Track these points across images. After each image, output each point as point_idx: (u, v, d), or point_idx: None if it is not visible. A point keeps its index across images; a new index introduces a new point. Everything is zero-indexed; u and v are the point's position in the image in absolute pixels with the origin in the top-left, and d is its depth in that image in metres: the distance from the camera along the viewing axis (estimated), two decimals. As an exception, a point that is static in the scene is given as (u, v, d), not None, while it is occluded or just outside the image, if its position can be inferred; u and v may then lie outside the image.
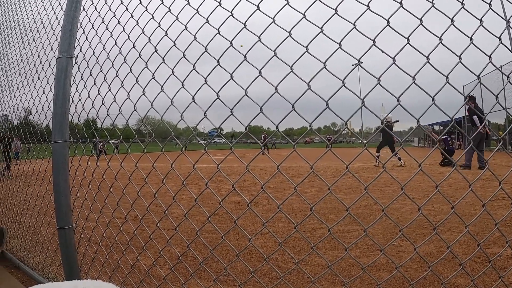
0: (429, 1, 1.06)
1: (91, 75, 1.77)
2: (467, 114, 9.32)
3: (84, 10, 1.85)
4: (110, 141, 1.93)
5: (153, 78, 1.55)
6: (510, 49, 1.09)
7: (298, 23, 1.13)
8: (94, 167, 1.91)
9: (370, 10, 1.08)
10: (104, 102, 1.80)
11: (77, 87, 1.79)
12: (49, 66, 2.03)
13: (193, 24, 1.42)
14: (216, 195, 1.49)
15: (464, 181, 6.07)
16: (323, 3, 1.15)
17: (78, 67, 1.81)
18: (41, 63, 2.14)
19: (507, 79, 1.11)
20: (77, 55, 1.76)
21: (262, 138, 23.89)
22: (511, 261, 2.32)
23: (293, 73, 1.19)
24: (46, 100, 2.11)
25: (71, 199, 1.77)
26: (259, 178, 1.36)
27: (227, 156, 1.40)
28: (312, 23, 1.13)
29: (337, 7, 1.12)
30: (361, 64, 1.15)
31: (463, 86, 23.50)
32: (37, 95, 2.24)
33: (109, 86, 1.73)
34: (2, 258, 2.90)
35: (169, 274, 2.15)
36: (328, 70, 1.11)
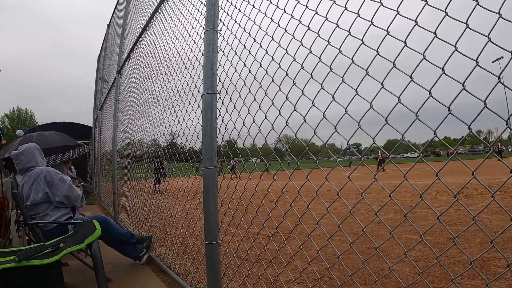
0: None
1: (234, 106, 1.97)
2: None
3: (220, 49, 2.08)
4: (250, 159, 2.11)
5: (287, 99, 1.64)
6: None
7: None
8: (238, 187, 2.08)
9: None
10: (245, 124, 1.98)
11: (223, 118, 2.00)
12: (195, 101, 2.35)
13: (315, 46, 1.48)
14: (355, 217, 1.48)
15: None
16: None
17: (223, 101, 2.04)
18: (187, 98, 2.49)
19: None
20: (220, 91, 1.99)
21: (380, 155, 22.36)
22: None
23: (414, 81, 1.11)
24: (192, 124, 2.43)
25: (219, 217, 1.98)
26: (400, 195, 1.30)
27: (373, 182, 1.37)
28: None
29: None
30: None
31: None
32: (184, 121, 2.60)
33: (248, 111, 1.91)
34: (151, 262, 3.41)
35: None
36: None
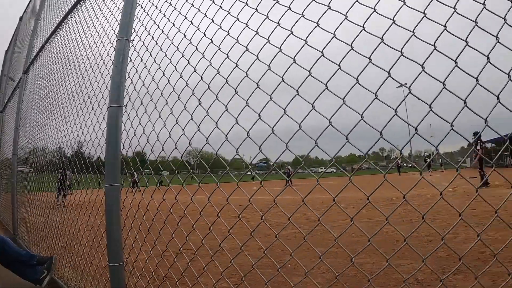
0: None
1: (139, 122, 1.89)
2: None
3: (131, 61, 2.00)
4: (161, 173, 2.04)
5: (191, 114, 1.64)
6: None
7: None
8: (143, 201, 1.99)
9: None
10: (149, 141, 1.92)
11: (127, 133, 1.91)
12: (101, 112, 2.20)
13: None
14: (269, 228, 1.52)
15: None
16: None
17: (128, 115, 1.94)
18: (92, 108, 2.32)
19: None
20: (126, 104, 1.89)
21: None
22: None
23: (345, 104, 1.22)
24: (97, 137, 2.28)
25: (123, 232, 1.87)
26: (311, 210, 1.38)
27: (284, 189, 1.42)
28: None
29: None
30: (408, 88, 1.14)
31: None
32: (89, 132, 2.42)
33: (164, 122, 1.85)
34: (53, 284, 3.08)
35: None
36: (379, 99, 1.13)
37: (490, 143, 29.55)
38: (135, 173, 2.40)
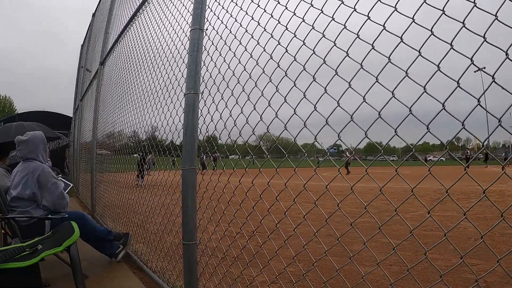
0: None
1: (216, 108, 1.97)
2: None
3: (205, 49, 2.07)
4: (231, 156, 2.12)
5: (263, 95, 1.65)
6: None
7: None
8: (216, 188, 2.08)
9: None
10: (226, 127, 1.98)
11: (204, 118, 2.00)
12: (177, 99, 2.33)
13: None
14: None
15: None
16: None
17: (205, 101, 2.03)
18: (169, 96, 2.47)
19: None
20: (203, 91, 1.98)
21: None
22: None
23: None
24: (174, 123, 2.42)
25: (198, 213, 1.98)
26: (378, 198, 1.35)
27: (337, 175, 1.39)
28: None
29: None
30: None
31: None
32: (165, 118, 2.58)
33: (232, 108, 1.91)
34: (128, 259, 3.37)
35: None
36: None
37: None
38: (204, 156, 2.52)
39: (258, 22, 1.76)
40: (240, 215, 1.95)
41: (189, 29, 2.09)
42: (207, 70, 2.08)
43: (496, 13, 0.95)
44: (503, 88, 0.94)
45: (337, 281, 2.54)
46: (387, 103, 1.19)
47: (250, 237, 1.83)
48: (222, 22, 2.06)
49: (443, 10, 1.05)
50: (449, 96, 1.03)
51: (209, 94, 2.04)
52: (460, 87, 1.01)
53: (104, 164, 5.56)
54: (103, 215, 5.07)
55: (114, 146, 4.86)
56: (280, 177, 1.58)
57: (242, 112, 1.78)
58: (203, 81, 2.03)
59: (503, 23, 0.93)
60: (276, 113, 1.60)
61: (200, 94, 1.95)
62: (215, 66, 2.04)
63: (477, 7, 0.99)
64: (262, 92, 1.63)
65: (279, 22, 1.62)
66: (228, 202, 1.89)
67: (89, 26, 9.90)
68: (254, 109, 1.68)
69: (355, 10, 1.28)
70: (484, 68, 1.03)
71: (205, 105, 2.05)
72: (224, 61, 1.97)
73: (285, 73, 1.54)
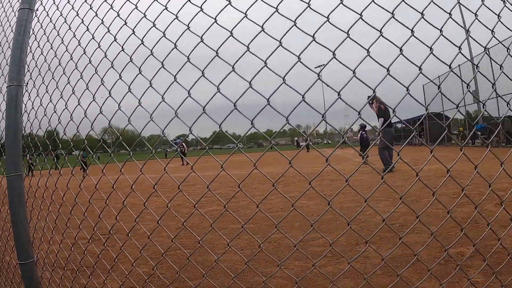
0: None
1: (50, 99, 1.70)
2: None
3: (33, 33, 1.77)
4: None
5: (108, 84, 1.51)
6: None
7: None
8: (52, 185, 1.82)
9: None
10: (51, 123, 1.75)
11: (28, 115, 1.71)
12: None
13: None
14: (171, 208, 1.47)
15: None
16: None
17: (29, 94, 1.73)
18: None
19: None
20: (27, 83, 1.68)
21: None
22: (473, 260, 2.35)
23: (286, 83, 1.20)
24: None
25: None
26: (224, 185, 1.37)
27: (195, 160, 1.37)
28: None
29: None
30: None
31: (423, 85, 24.53)
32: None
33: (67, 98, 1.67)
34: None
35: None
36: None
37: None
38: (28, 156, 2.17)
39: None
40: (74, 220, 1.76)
41: (18, 8, 1.76)
42: (33, 58, 1.78)
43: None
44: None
45: (192, 274, 2.50)
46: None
47: (90, 237, 1.65)
48: (54, 3, 1.78)
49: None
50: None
51: (34, 86, 1.74)
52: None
53: None
54: None
55: None
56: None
57: (79, 104, 1.56)
58: (28, 70, 1.73)
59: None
60: (119, 105, 1.48)
61: (25, 86, 1.64)
62: (41, 53, 1.76)
63: None
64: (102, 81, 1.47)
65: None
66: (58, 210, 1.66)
67: None
68: (94, 100, 1.50)
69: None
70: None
71: (29, 99, 1.75)
72: (51, 48, 1.71)
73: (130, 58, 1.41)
